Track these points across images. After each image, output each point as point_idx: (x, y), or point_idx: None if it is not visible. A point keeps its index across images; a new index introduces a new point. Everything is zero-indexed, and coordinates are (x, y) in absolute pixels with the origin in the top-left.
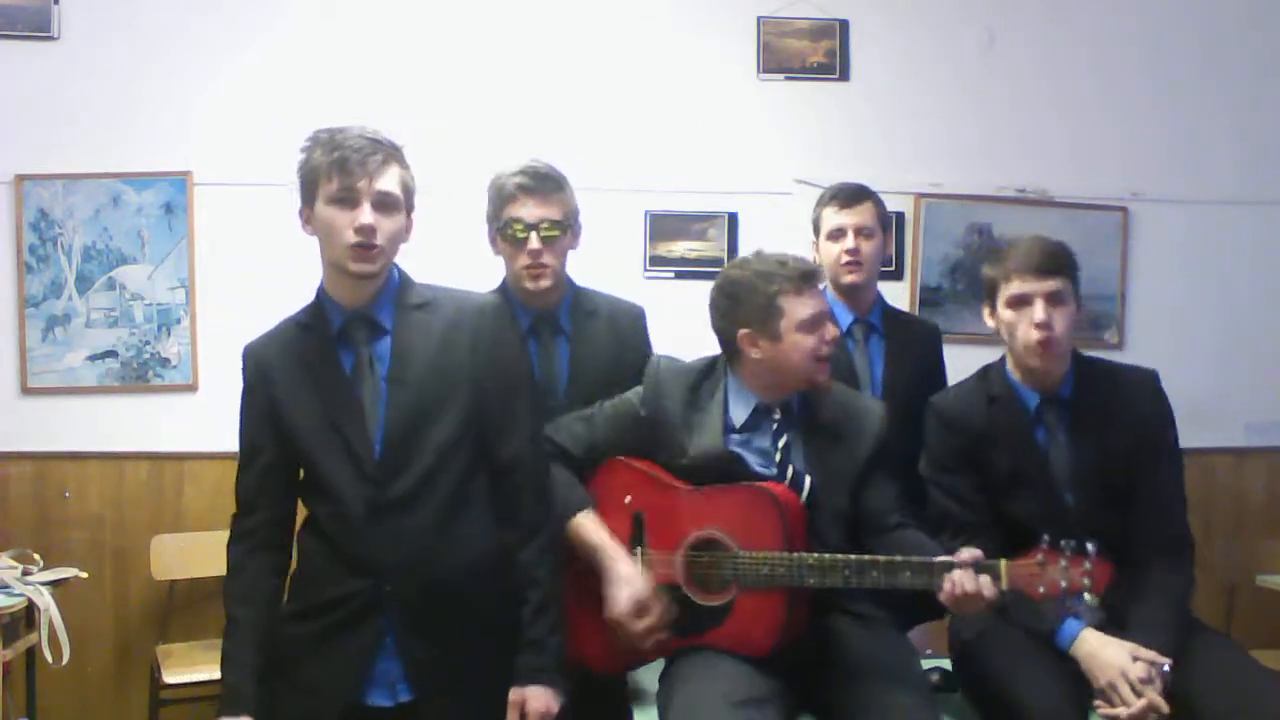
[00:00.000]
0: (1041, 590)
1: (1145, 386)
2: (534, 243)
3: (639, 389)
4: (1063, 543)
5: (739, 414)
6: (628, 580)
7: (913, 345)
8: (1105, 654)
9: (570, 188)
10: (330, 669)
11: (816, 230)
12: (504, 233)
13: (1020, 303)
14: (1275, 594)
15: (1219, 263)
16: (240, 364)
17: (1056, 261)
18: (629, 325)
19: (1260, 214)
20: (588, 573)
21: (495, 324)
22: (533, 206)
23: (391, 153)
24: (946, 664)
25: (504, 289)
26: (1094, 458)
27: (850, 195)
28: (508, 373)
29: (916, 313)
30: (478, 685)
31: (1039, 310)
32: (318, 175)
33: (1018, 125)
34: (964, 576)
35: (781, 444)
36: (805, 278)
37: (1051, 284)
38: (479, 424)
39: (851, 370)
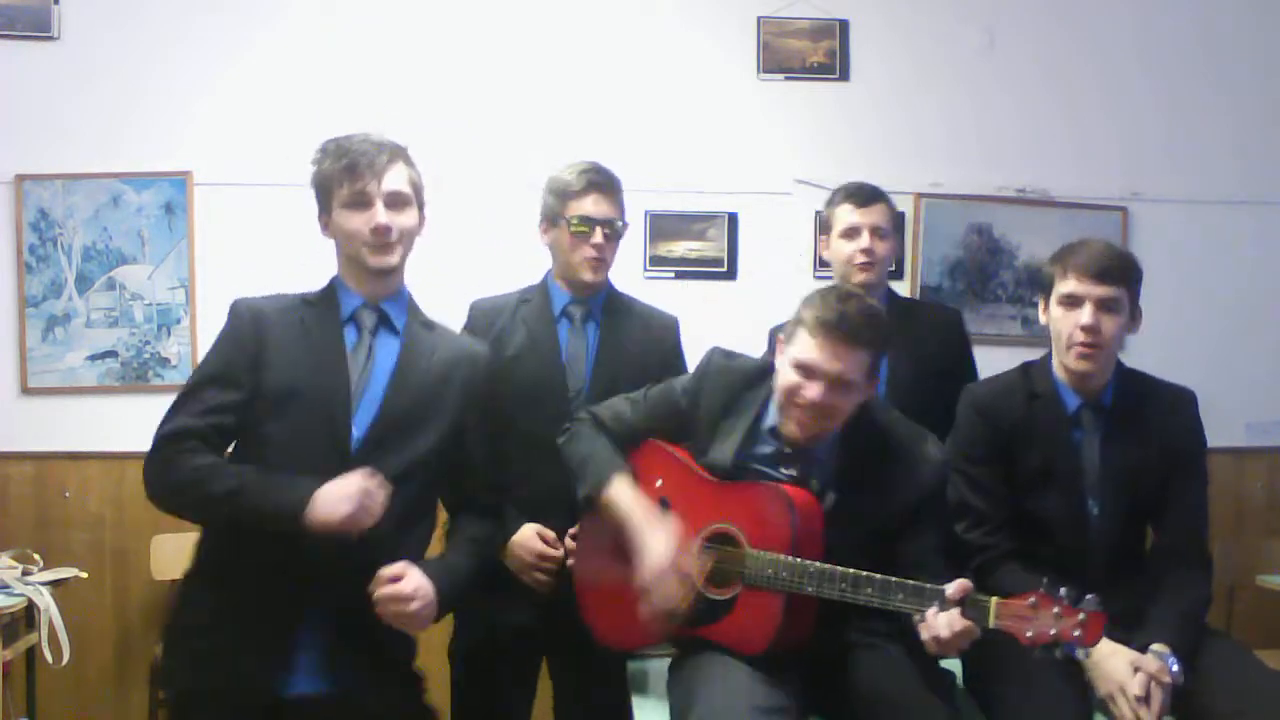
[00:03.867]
0: (1029, 635)
1: (1184, 406)
2: (598, 238)
3: (686, 377)
4: (1062, 590)
5: (768, 426)
6: (657, 548)
7: (924, 337)
8: (1108, 664)
9: (623, 190)
10: (248, 657)
11: (826, 229)
12: (570, 226)
13: (1071, 303)
14: (1275, 594)
15: (1219, 263)
16: (230, 314)
17: (1116, 269)
18: (661, 332)
19: (1260, 214)
20: (605, 548)
21: (488, 372)
22: (601, 204)
23: (397, 152)
24: (946, 663)
25: (545, 278)
26: (1123, 469)
27: (866, 195)
28: (489, 419)
29: None
30: (393, 673)
31: (1087, 313)
32: (330, 183)
33: (1018, 125)
34: (943, 621)
35: (796, 471)
36: (826, 325)
37: (1105, 290)
38: (450, 455)
39: None
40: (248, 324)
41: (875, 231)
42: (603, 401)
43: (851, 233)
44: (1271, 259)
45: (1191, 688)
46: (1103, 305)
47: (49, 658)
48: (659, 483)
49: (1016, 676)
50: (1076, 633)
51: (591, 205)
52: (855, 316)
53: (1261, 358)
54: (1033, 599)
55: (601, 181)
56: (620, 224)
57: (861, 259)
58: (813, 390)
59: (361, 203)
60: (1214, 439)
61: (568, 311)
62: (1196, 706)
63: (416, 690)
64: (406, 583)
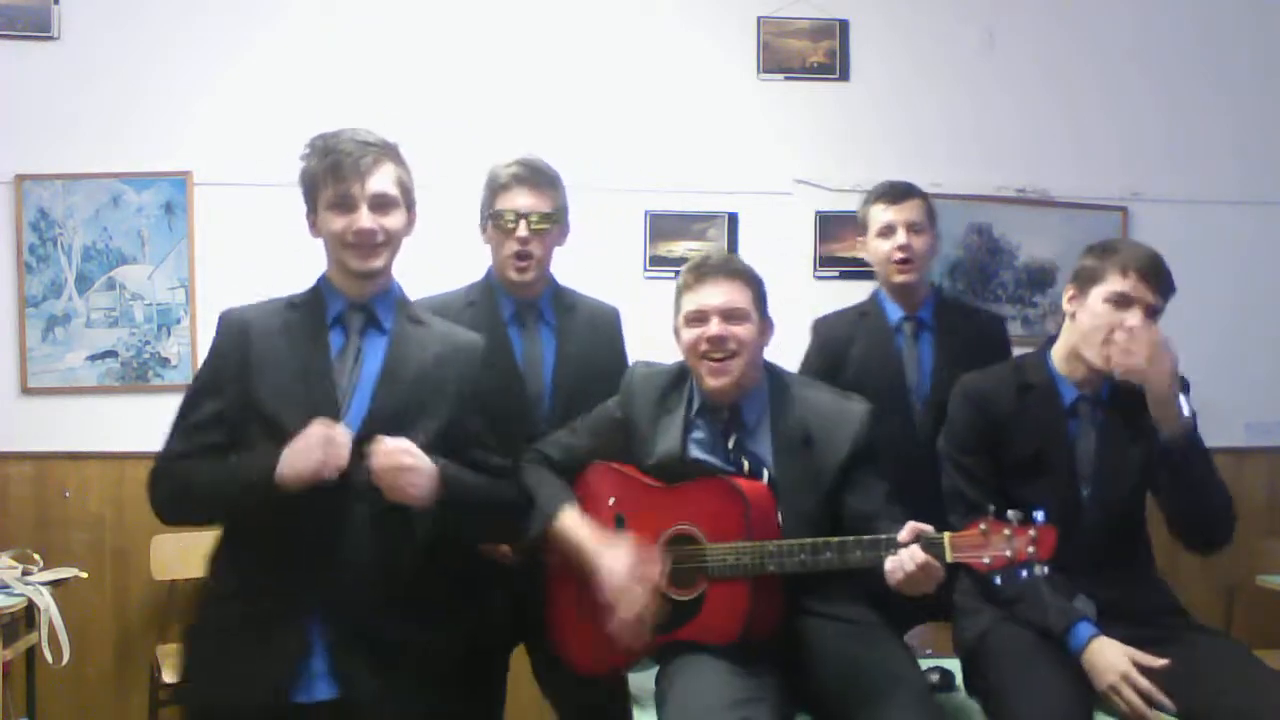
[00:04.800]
0: (987, 561)
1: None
2: (522, 230)
3: (615, 395)
4: (1009, 512)
5: (696, 411)
6: (615, 566)
7: (969, 340)
8: (1102, 657)
9: (563, 185)
10: (259, 662)
11: (864, 229)
12: (495, 220)
13: (1123, 303)
14: (1275, 594)
15: (1219, 263)
16: (217, 327)
17: (1166, 280)
18: (605, 324)
19: (1260, 214)
20: (573, 577)
21: (484, 360)
22: (525, 196)
23: (384, 152)
24: (946, 663)
25: (487, 277)
26: (1120, 459)
27: (899, 192)
28: (496, 404)
29: None
30: (406, 679)
31: (1136, 317)
32: (316, 182)
33: (1018, 125)
34: (904, 555)
35: (731, 444)
36: (696, 270)
37: (1156, 300)
38: (452, 445)
39: (900, 367)
40: (233, 334)
41: (910, 227)
42: (561, 408)
43: (887, 231)
44: (1271, 259)
45: (1193, 689)
46: (1150, 312)
47: (49, 658)
48: (612, 500)
49: (1017, 676)
50: (1030, 549)
51: (517, 198)
52: (714, 256)
53: (1261, 358)
54: (983, 525)
55: (526, 174)
56: (552, 215)
57: (899, 256)
58: (711, 328)
59: (346, 205)
60: (1214, 439)
61: (519, 315)
62: (1197, 706)
63: (434, 692)
64: (405, 443)
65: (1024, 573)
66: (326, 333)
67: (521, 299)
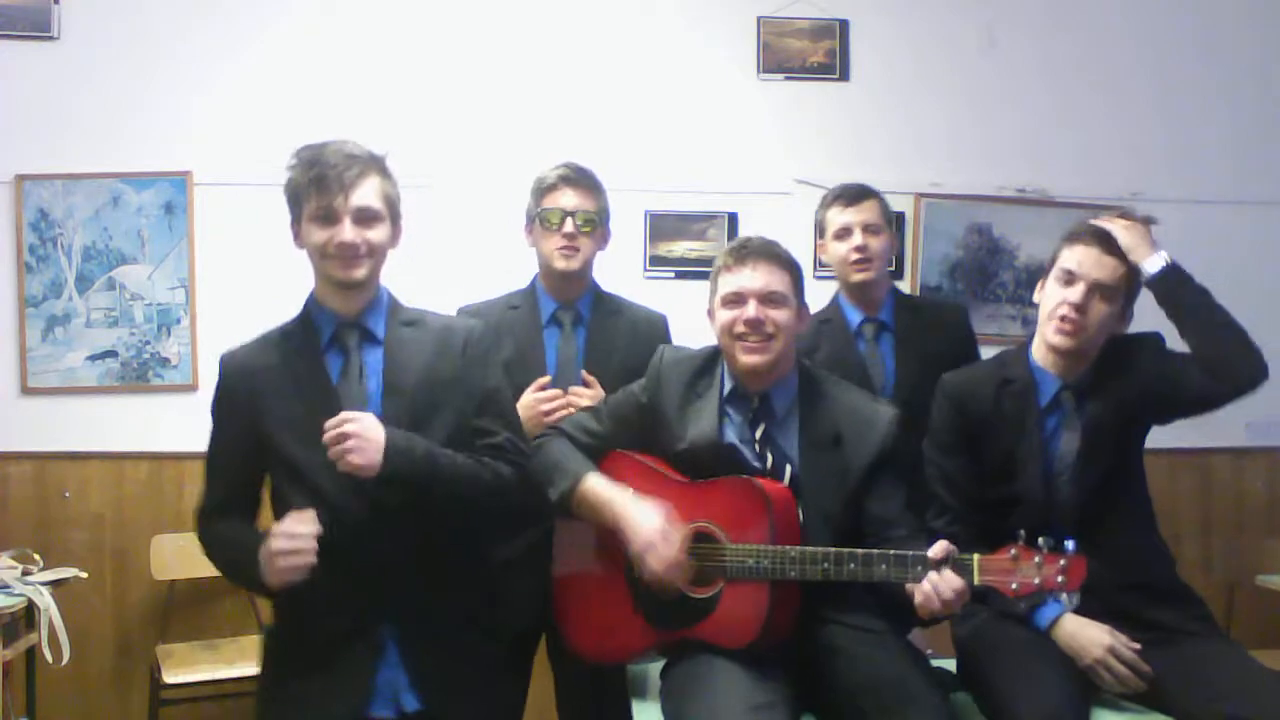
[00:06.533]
0: (1014, 586)
1: (1152, 348)
2: (568, 227)
3: (641, 379)
4: (1040, 540)
5: (727, 395)
6: (644, 519)
7: (929, 335)
8: (1083, 636)
9: (605, 191)
10: (331, 684)
11: (821, 232)
12: (542, 219)
13: (1069, 280)
14: (1275, 594)
15: (1219, 263)
16: (218, 372)
17: (1119, 253)
18: (649, 330)
19: (1259, 214)
20: (582, 564)
21: (482, 345)
22: (571, 196)
23: (369, 165)
24: (946, 664)
25: (532, 283)
26: (1100, 447)
27: (854, 194)
28: (495, 389)
29: None
30: (483, 687)
31: (1077, 292)
32: (300, 194)
33: (1018, 125)
34: (938, 582)
35: (759, 434)
36: (736, 252)
37: (1102, 275)
38: (464, 433)
39: (864, 370)
40: (234, 378)
41: (868, 229)
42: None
43: (844, 233)
44: (1271, 259)
45: (1190, 689)
46: (1096, 288)
47: (49, 658)
48: (631, 491)
49: (1012, 671)
50: (1060, 579)
51: (563, 198)
52: (756, 239)
53: None
54: (1013, 551)
55: (574, 176)
56: (596, 217)
57: (856, 257)
58: (749, 309)
59: (328, 217)
60: (1214, 439)
61: (556, 318)
62: (1194, 708)
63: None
64: (357, 414)
65: (1050, 600)
66: (323, 359)
67: (561, 301)
